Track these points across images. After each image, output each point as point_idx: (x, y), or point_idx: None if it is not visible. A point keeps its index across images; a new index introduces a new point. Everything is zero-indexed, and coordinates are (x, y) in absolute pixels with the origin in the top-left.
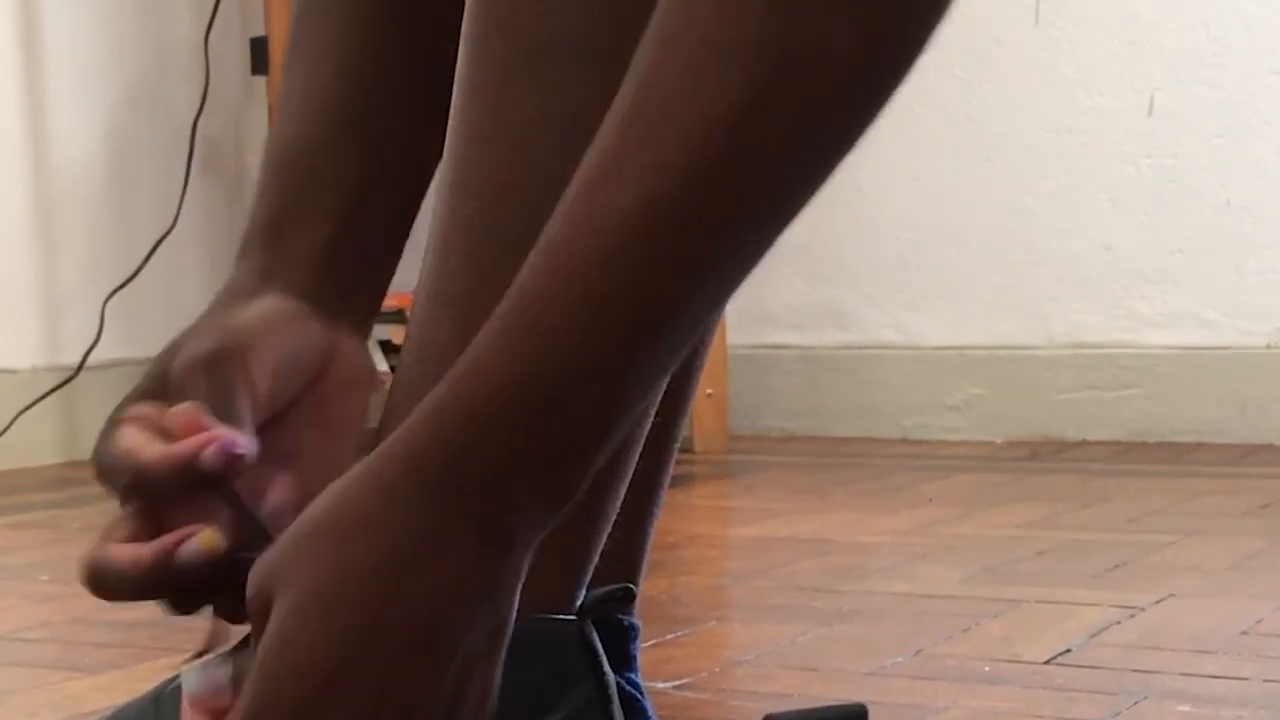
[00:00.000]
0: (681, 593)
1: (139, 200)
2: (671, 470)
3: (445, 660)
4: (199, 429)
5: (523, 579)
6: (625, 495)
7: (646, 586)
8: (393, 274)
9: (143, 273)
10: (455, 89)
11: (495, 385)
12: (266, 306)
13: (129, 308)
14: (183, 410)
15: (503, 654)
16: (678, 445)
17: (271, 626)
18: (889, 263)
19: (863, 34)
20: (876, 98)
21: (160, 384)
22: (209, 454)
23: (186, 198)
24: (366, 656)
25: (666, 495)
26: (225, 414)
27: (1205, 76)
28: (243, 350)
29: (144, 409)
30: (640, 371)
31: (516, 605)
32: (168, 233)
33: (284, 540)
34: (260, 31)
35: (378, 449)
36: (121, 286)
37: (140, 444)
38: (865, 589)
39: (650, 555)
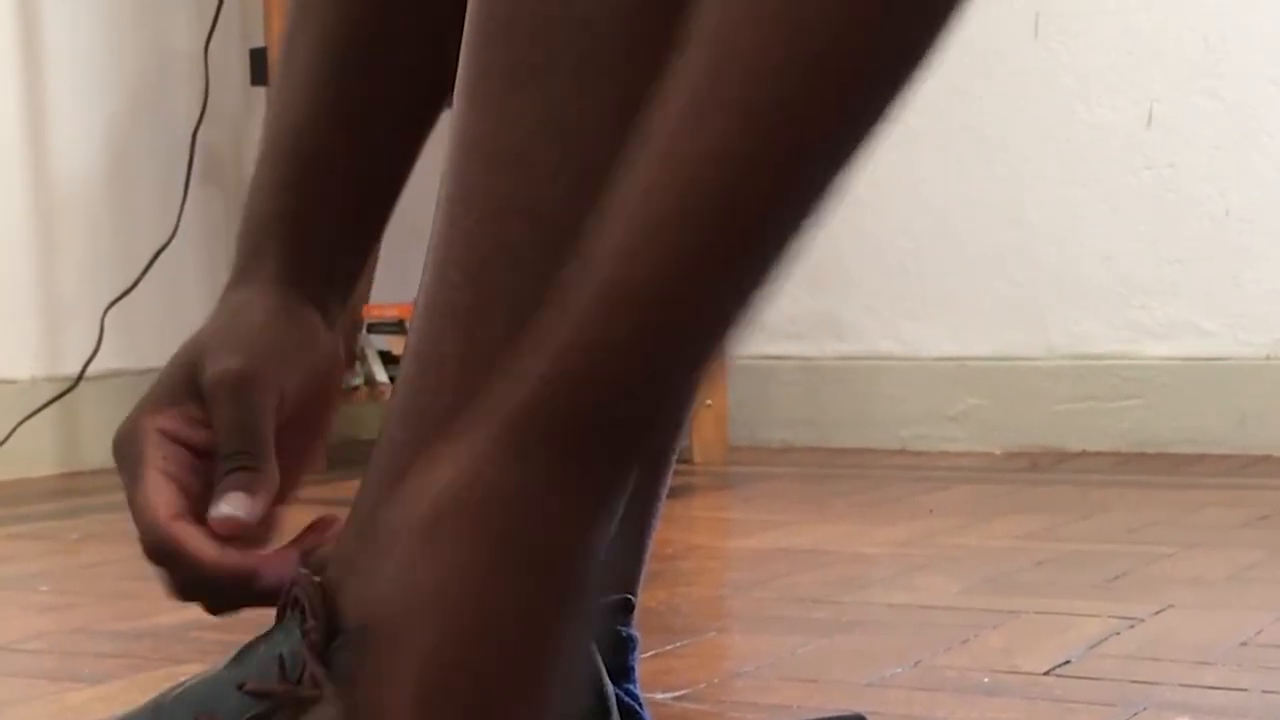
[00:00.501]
0: (681, 604)
1: (138, 211)
2: (669, 482)
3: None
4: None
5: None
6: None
7: (646, 597)
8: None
9: (142, 283)
10: (455, 99)
11: (596, 351)
12: (292, 325)
13: (128, 318)
14: (226, 519)
15: None
16: (675, 456)
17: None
18: (888, 273)
19: None
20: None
21: (187, 391)
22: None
23: (186, 208)
24: (561, 621)
25: (665, 506)
26: (249, 437)
27: (1204, 87)
28: (272, 374)
29: (173, 419)
30: (724, 324)
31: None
32: (167, 243)
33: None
34: (260, 42)
35: (463, 437)
36: (121, 297)
37: (189, 537)
38: (865, 600)
39: (649, 566)
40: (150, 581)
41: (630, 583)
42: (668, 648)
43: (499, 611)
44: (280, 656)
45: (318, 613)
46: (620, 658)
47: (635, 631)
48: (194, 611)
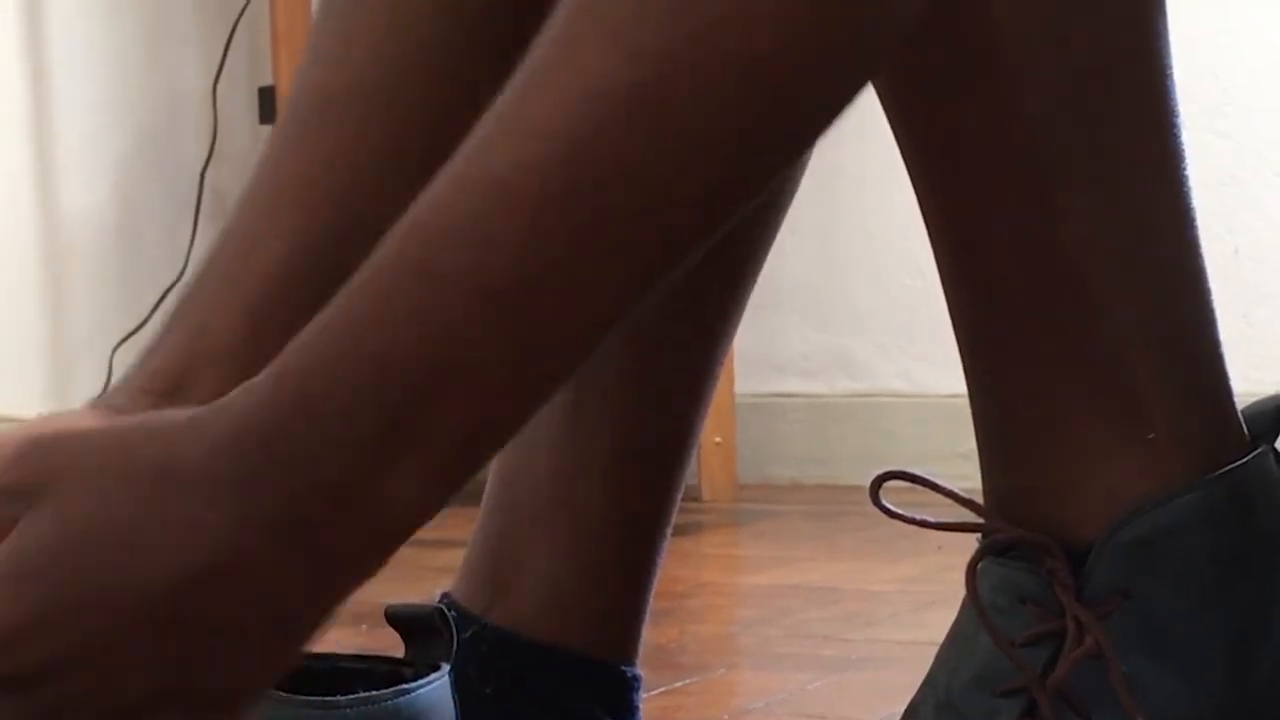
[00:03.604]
0: (690, 641)
1: (147, 250)
2: (674, 519)
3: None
4: None
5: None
6: (629, 545)
7: (655, 635)
8: None
9: (151, 322)
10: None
11: (329, 371)
12: None
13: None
14: None
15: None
16: (680, 494)
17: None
18: (898, 311)
19: (771, 25)
20: (787, 98)
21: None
22: None
23: (194, 247)
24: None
25: (674, 543)
26: None
27: (1213, 125)
28: None
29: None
30: (499, 375)
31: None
32: (175, 282)
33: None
34: (268, 81)
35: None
36: (129, 336)
37: None
38: (874, 637)
39: (657, 604)
40: None
41: (635, 622)
42: (677, 685)
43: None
44: None
45: None
46: (622, 695)
47: (638, 670)
48: None
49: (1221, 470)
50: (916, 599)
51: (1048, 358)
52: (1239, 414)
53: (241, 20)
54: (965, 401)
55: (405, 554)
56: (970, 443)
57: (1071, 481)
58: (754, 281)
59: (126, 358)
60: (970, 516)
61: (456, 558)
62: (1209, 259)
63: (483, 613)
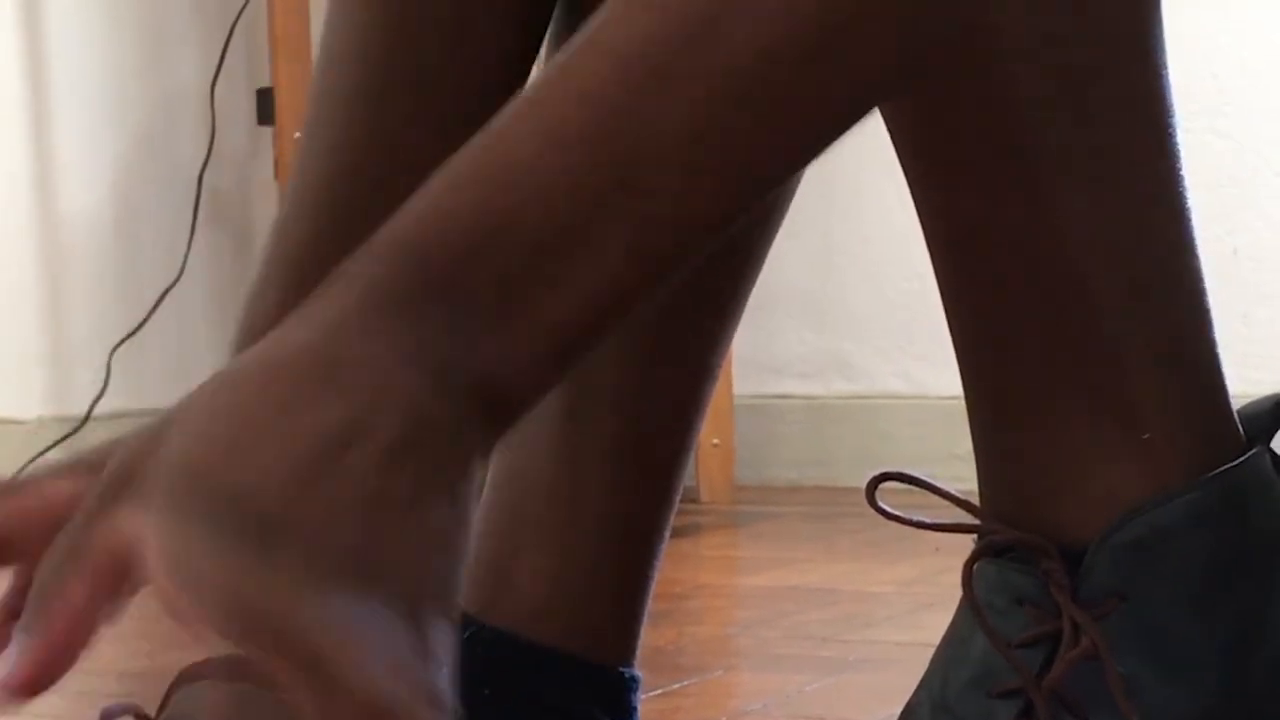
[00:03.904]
0: (688, 643)
1: (145, 251)
2: (672, 520)
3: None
4: None
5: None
6: (627, 546)
7: (653, 636)
8: None
9: (149, 323)
10: None
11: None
12: None
13: (135, 358)
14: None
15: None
16: (678, 495)
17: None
18: (896, 312)
19: None
20: None
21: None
22: None
23: (192, 248)
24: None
25: (672, 545)
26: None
27: (1213, 125)
28: None
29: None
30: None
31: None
32: (174, 283)
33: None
34: (266, 82)
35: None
36: (128, 337)
37: None
38: (872, 638)
39: (655, 605)
40: (157, 621)
41: (634, 623)
42: (675, 686)
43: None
44: None
45: None
46: (620, 697)
47: (637, 672)
48: (201, 651)
49: (1217, 471)
50: (914, 600)
51: (1043, 358)
52: (1235, 414)
53: (239, 22)
54: (962, 403)
55: None
56: (968, 444)
57: (1068, 483)
58: (753, 284)
59: (125, 359)
60: (966, 518)
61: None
62: (1207, 259)
63: (479, 613)
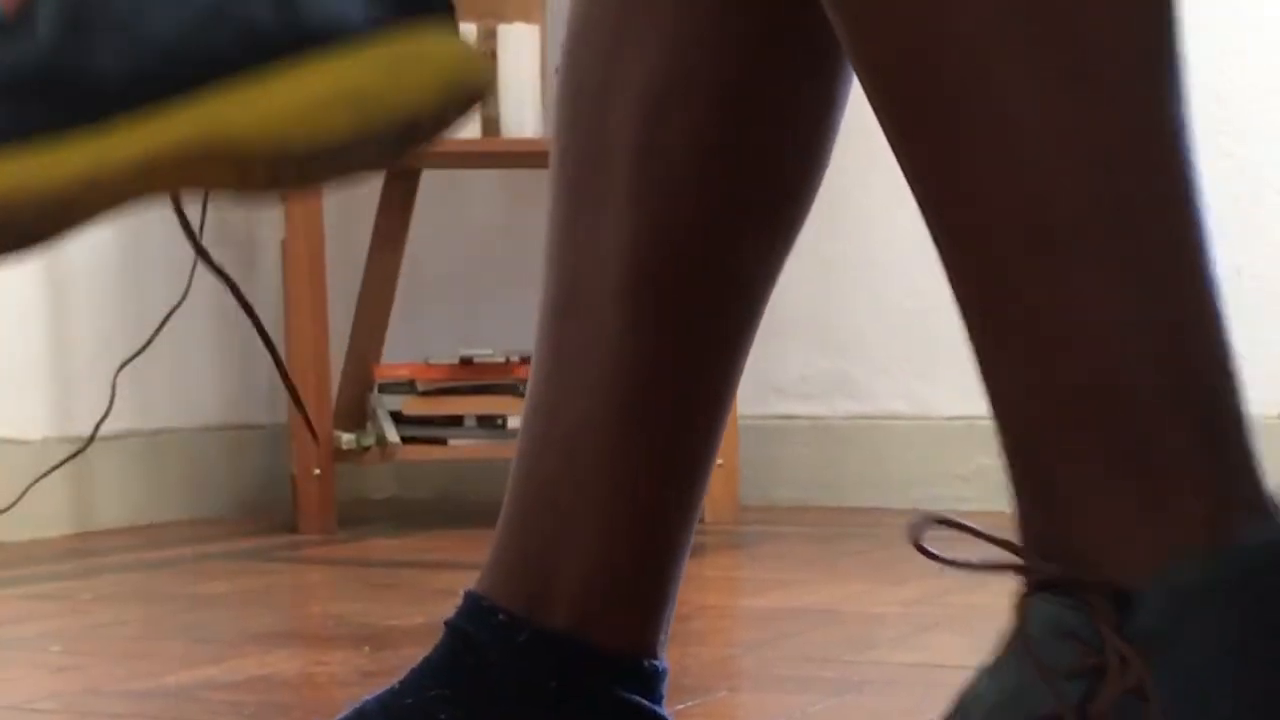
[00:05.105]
0: (692, 663)
1: (150, 272)
2: (693, 536)
3: None
4: None
5: None
6: (666, 549)
7: None
8: None
9: (154, 344)
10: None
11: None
12: None
13: (140, 378)
14: None
15: None
16: (698, 513)
17: None
18: (899, 333)
19: None
20: None
21: None
22: None
23: (197, 269)
24: None
25: None
26: None
27: (1217, 145)
28: None
29: None
30: None
31: None
32: (178, 304)
33: None
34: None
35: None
36: (133, 358)
37: None
38: (876, 659)
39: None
40: (161, 641)
41: (668, 620)
42: (679, 707)
43: None
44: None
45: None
46: (654, 688)
47: (664, 663)
48: (204, 671)
49: (1272, 530)
50: (918, 622)
51: (1089, 424)
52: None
53: None
54: (965, 423)
55: (408, 575)
56: (971, 464)
57: (1119, 530)
58: (766, 302)
59: (130, 379)
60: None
61: (458, 579)
62: None
63: (528, 614)
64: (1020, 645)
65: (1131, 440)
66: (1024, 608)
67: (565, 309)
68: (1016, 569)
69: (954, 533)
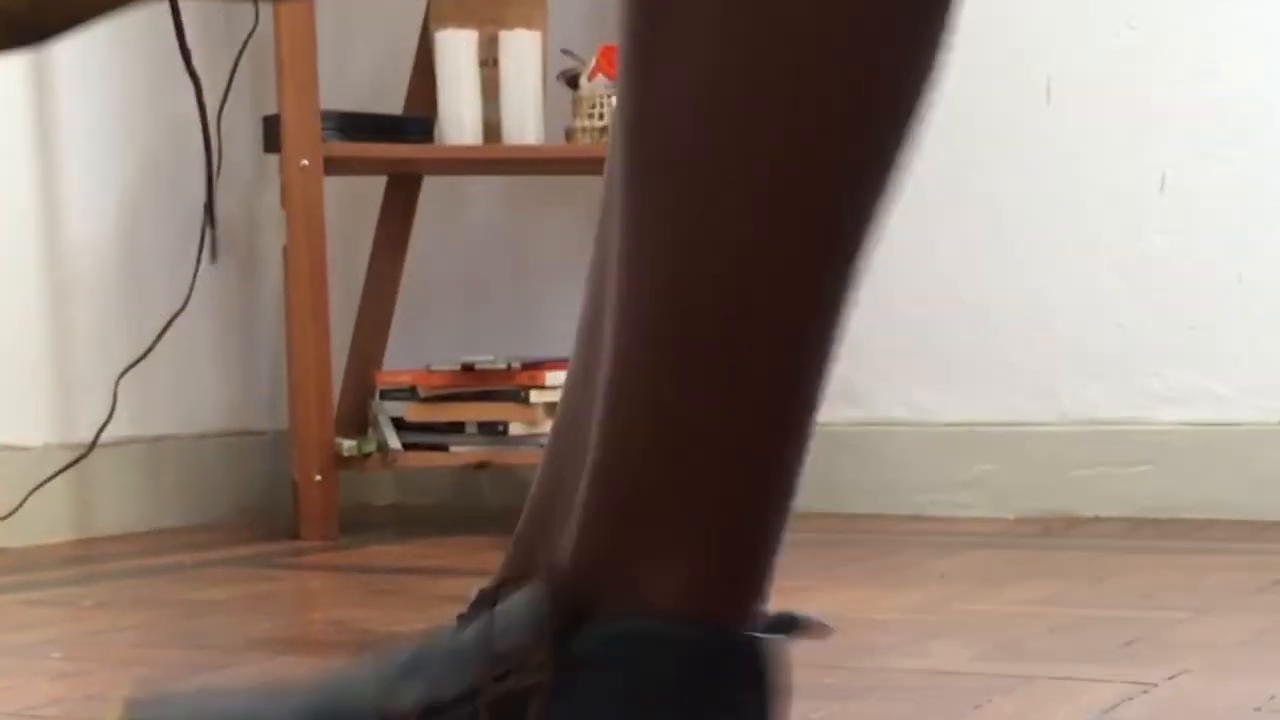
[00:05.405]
0: None
1: (151, 279)
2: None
3: None
4: None
5: None
6: None
7: None
8: None
9: (155, 351)
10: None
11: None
12: None
13: (141, 386)
14: None
15: None
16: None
17: None
18: (900, 339)
19: None
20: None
21: None
22: None
23: (198, 276)
24: None
25: None
26: None
27: (1217, 153)
28: None
29: None
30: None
31: None
32: (180, 311)
33: None
34: (273, 109)
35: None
36: (134, 365)
37: None
38: (877, 666)
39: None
40: (162, 647)
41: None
42: None
43: None
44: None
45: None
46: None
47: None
48: (205, 678)
49: (707, 624)
50: (920, 628)
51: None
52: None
53: (246, 49)
54: (966, 430)
55: (409, 582)
56: (972, 470)
57: (609, 566)
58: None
59: (131, 386)
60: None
61: (460, 585)
62: (1213, 286)
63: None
64: (485, 617)
65: (647, 513)
66: (516, 590)
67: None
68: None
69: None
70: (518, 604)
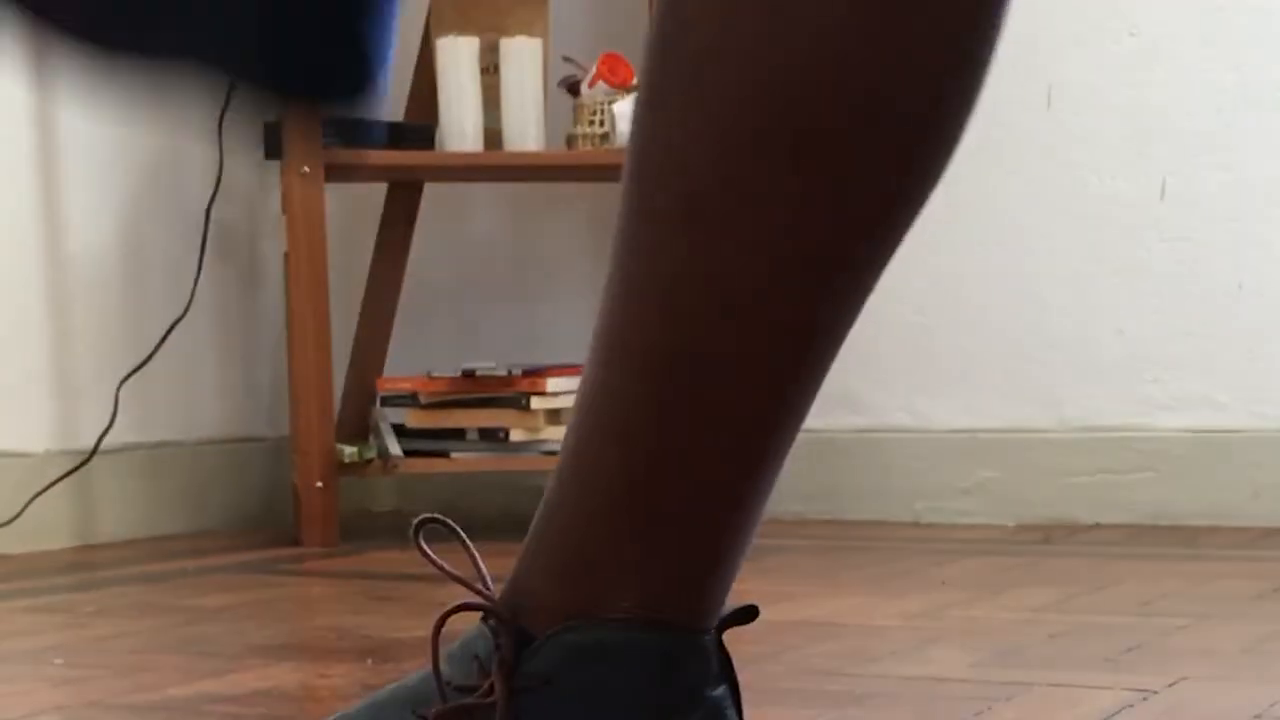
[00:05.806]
0: None
1: (152, 285)
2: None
3: None
4: None
5: None
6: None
7: None
8: None
9: (156, 357)
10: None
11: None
12: None
13: (142, 392)
14: None
15: None
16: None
17: None
18: (901, 347)
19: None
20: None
21: None
22: None
23: (199, 283)
24: None
25: None
26: None
27: (1217, 160)
28: None
29: None
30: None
31: None
32: (181, 317)
33: None
34: (273, 116)
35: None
36: (135, 371)
37: None
38: (877, 672)
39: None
40: (163, 654)
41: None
42: None
43: None
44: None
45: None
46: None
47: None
48: (206, 684)
49: (666, 627)
50: (920, 635)
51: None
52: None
53: None
54: (967, 436)
55: (410, 588)
56: (972, 478)
57: (547, 593)
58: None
59: (132, 392)
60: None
61: (460, 592)
62: (1213, 293)
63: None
64: (431, 654)
65: (612, 529)
66: (441, 621)
67: None
68: (473, 589)
69: None
70: (474, 637)
